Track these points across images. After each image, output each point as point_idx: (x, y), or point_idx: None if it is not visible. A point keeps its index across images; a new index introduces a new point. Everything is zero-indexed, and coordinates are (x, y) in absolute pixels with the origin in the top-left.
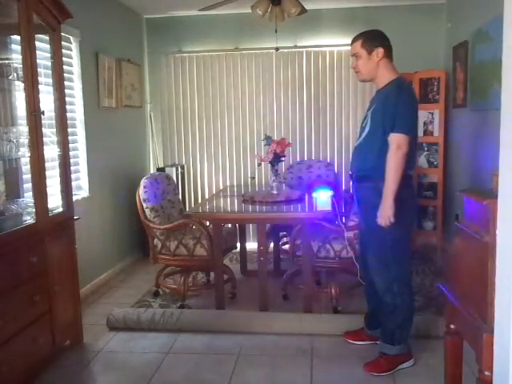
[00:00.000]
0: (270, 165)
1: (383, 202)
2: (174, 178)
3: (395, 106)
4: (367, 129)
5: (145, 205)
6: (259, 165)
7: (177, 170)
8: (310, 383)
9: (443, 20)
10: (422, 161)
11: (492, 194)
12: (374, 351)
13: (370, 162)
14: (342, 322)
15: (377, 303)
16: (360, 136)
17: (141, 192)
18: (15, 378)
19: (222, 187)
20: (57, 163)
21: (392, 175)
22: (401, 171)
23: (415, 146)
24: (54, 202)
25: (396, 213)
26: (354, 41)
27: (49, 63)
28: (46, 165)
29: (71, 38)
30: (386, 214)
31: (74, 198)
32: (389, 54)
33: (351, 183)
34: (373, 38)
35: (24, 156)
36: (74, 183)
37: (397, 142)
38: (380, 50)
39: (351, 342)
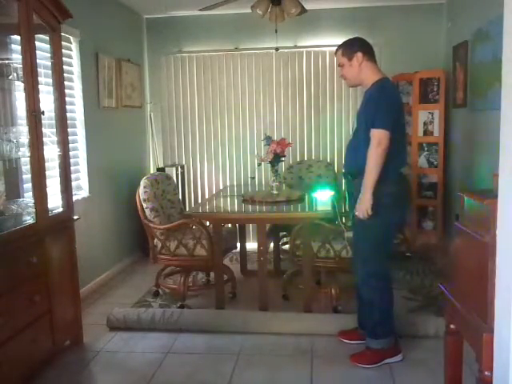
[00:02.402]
0: (269, 165)
1: (361, 195)
2: (174, 178)
3: (376, 104)
4: (355, 128)
5: (145, 205)
6: (259, 165)
7: (177, 170)
8: (310, 383)
9: (443, 20)
10: (422, 161)
11: (492, 194)
12: None
13: (360, 159)
14: (342, 322)
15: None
16: (352, 135)
17: (141, 192)
18: (15, 378)
19: (222, 187)
20: (57, 163)
21: (371, 169)
22: (380, 166)
23: (403, 143)
24: (54, 202)
25: (382, 209)
26: (335, 52)
27: (49, 63)
28: (46, 165)
29: (71, 37)
30: (364, 206)
31: (74, 198)
32: (370, 56)
33: (344, 180)
34: (350, 45)
35: (24, 156)
36: (74, 183)
37: (377, 137)
38: (359, 55)
39: (345, 341)
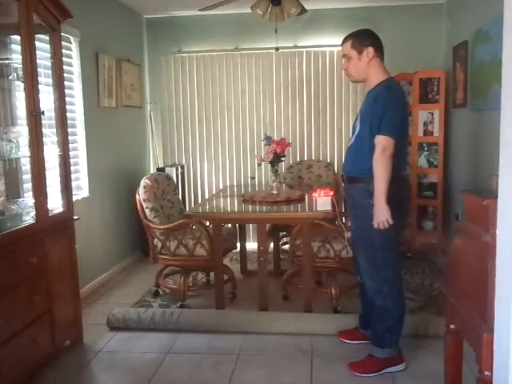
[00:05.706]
0: (269, 165)
1: (376, 206)
2: (174, 178)
3: (383, 108)
4: (357, 130)
5: (145, 205)
6: (259, 165)
7: (177, 170)
8: (309, 383)
9: (443, 20)
10: (422, 161)
11: (492, 194)
12: None
13: (361, 163)
14: (342, 322)
15: (369, 304)
16: (352, 137)
17: (141, 192)
18: (15, 378)
19: (221, 187)
20: (57, 163)
21: (380, 178)
22: (388, 173)
23: (405, 146)
24: (54, 202)
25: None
26: (343, 42)
27: (49, 63)
28: (46, 165)
29: (71, 37)
30: (382, 218)
31: (74, 198)
32: (379, 53)
33: (343, 184)
34: (362, 38)
35: (24, 156)
36: (74, 183)
37: (382, 144)
38: (370, 50)
39: (345, 341)
